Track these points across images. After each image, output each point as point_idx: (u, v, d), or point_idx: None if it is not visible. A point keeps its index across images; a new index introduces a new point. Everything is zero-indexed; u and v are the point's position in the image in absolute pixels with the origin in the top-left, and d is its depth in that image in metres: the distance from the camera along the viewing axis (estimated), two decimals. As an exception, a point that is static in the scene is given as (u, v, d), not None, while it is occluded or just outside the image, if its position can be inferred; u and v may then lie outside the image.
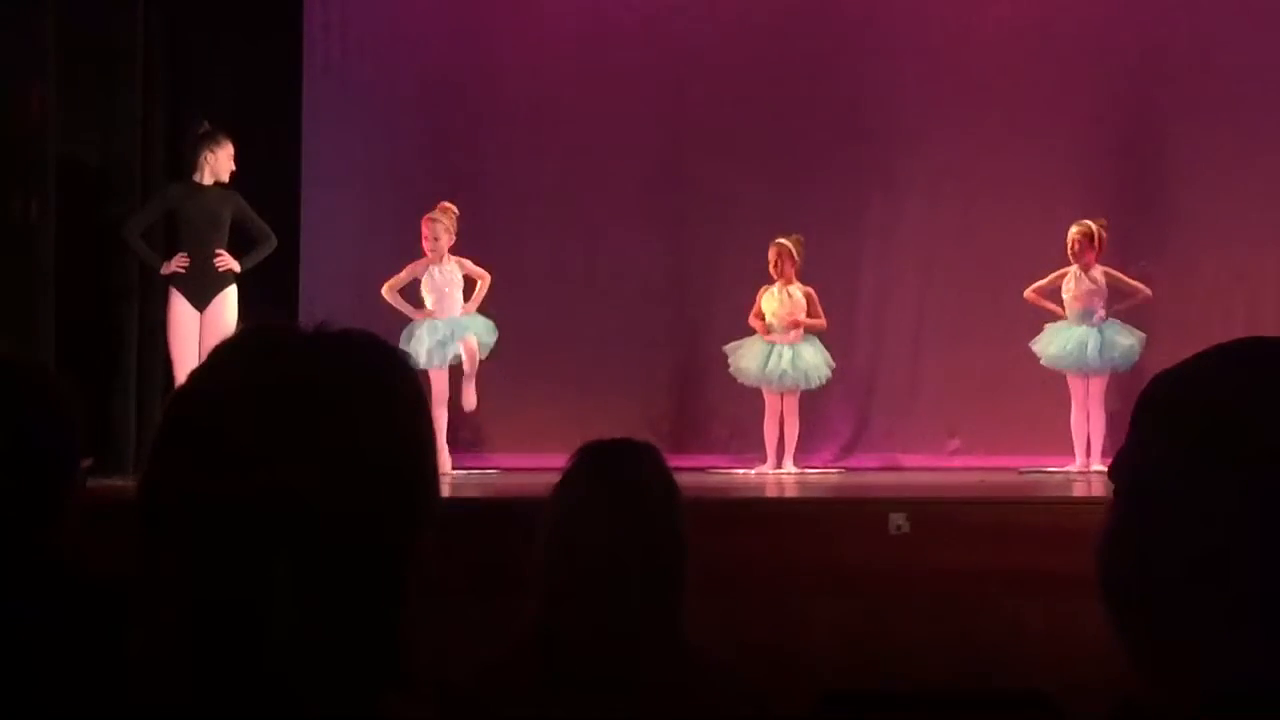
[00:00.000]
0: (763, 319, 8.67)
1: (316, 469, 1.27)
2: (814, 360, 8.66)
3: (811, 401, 9.08)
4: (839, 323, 9.11)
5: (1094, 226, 8.43)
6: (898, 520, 6.02)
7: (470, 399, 8.39)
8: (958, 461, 9.02)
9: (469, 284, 8.49)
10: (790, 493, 7.76)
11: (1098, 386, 8.44)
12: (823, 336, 8.71)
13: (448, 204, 8.42)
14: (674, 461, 2.94)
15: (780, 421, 8.68)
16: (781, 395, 8.68)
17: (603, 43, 9.19)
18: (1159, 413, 1.19)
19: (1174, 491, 1.14)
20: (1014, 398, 8.88)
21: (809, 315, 8.66)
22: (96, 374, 7.94)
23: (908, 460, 9.02)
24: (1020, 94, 9.12)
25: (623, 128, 9.16)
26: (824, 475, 8.69)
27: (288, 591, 1.26)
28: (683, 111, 9.22)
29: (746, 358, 8.71)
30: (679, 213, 8.88)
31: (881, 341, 9.29)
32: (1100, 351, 8.40)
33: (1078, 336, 8.45)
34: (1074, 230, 8.44)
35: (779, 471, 8.58)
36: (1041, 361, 8.54)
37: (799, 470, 8.62)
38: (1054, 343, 8.51)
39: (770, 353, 8.63)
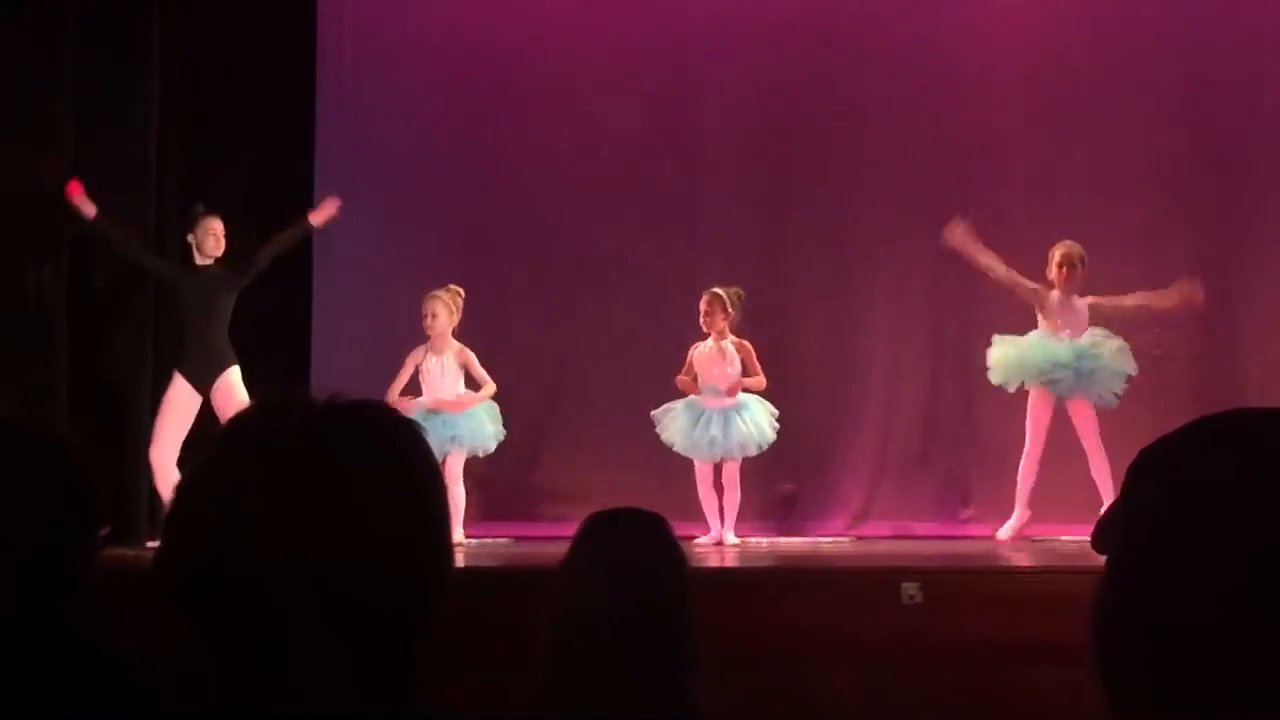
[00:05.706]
0: (694, 378, 8.25)
1: (330, 540, 1.27)
2: (752, 425, 8.13)
3: (822, 470, 9.05)
4: (851, 390, 9.09)
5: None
6: (910, 590, 5.99)
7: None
8: (971, 530, 8.96)
9: (470, 377, 8.40)
10: (802, 562, 7.72)
11: (1086, 417, 8.08)
12: (770, 394, 8.28)
13: (454, 286, 8.43)
14: (686, 531, 2.94)
15: (718, 489, 8.18)
16: (720, 463, 8.19)
17: (614, 113, 9.22)
18: (1152, 484, 1.18)
19: (1171, 564, 1.13)
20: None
21: (747, 374, 8.21)
22: (108, 442, 7.95)
23: (920, 529, 8.94)
24: (1033, 153, 9.13)
25: (637, 197, 9.20)
26: (836, 544, 8.63)
27: (303, 662, 1.26)
28: (696, 180, 9.24)
29: (671, 427, 8.21)
30: (691, 282, 8.85)
31: (893, 408, 9.23)
32: (1077, 361, 8.01)
33: (1049, 349, 8.07)
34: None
35: (720, 544, 8.03)
36: (992, 379, 8.27)
37: (739, 541, 8.15)
38: (1011, 363, 8.15)
39: (699, 419, 8.16)
